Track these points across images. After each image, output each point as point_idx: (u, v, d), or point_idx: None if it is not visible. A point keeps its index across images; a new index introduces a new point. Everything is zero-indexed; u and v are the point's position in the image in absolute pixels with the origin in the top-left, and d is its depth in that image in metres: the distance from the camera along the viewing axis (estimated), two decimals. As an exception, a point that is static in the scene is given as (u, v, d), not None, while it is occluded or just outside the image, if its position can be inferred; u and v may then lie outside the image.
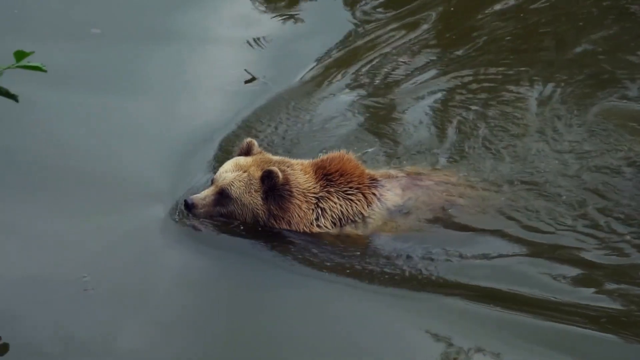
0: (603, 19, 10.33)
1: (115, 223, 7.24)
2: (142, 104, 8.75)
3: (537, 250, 7.18)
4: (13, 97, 5.37)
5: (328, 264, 7.01)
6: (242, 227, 7.22)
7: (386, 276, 6.89)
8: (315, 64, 9.75)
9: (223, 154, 7.98)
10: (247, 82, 9.27)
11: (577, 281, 6.91)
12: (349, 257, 7.09)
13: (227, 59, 9.57)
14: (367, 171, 7.47)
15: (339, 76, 9.54)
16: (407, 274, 6.93)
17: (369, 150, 8.27)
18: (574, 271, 6.98)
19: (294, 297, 6.76)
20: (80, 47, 9.34)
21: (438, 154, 8.22)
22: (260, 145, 7.65)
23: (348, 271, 6.95)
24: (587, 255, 7.15)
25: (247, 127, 8.54)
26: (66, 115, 8.44)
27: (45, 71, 5.29)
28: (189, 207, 7.10)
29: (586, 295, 6.77)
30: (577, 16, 10.47)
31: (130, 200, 7.50)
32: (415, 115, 8.89)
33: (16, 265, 6.73)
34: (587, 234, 7.33)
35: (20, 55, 5.26)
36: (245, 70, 9.34)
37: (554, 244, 7.25)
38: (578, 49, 9.87)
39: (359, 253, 7.13)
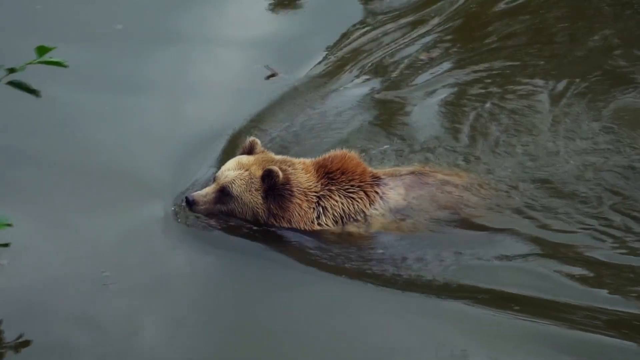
0: (619, 14, 10.17)
1: (128, 219, 7.32)
2: (154, 102, 8.82)
3: (549, 251, 7.11)
4: (34, 93, 5.40)
5: (331, 263, 7.02)
6: (249, 225, 7.26)
7: (389, 276, 6.89)
8: (325, 59, 9.75)
9: (232, 151, 7.97)
10: (267, 77, 9.29)
11: (590, 282, 6.83)
12: (351, 256, 7.09)
13: (236, 57, 9.59)
14: (369, 169, 7.45)
15: (350, 71, 9.53)
16: (409, 274, 6.91)
17: (385, 147, 8.24)
18: (586, 272, 6.91)
19: (302, 295, 6.79)
20: (95, 45, 9.41)
21: (451, 152, 8.17)
22: (270, 142, 7.72)
23: (351, 270, 6.95)
24: (602, 256, 7.06)
25: (256, 124, 8.56)
26: (77, 113, 8.53)
27: (66, 66, 5.33)
28: (190, 203, 7.15)
29: (600, 297, 6.68)
30: (592, 12, 10.31)
31: (141, 196, 7.56)
32: (429, 111, 8.84)
33: (36, 261, 6.81)
34: (604, 233, 7.24)
35: (42, 50, 5.30)
36: (266, 66, 9.37)
37: (569, 244, 7.17)
38: (593, 45, 9.74)
39: (360, 252, 7.12)
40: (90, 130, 8.32)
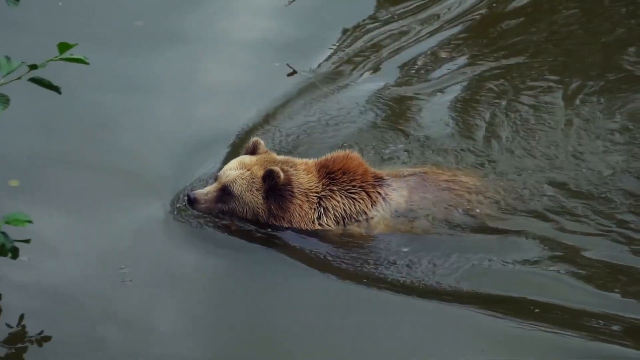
0: (633, 12, 10.04)
1: (142, 216, 7.39)
2: (168, 101, 8.86)
3: (562, 255, 7.05)
4: (56, 89, 5.40)
5: (335, 262, 7.04)
6: (255, 225, 7.31)
7: (391, 278, 6.88)
8: (339, 56, 9.72)
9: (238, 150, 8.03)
10: (289, 75, 9.31)
11: (603, 287, 6.78)
12: (353, 256, 7.08)
13: (246, 57, 9.60)
14: (372, 170, 7.41)
15: (365, 68, 9.49)
16: (412, 276, 6.90)
17: (400, 146, 8.21)
18: (604, 276, 6.86)
19: (310, 293, 6.83)
20: (112, 42, 9.44)
21: (465, 152, 8.11)
22: (281, 140, 7.73)
23: (353, 270, 6.96)
24: (618, 259, 7.00)
25: (268, 122, 8.59)
26: (94, 111, 8.60)
27: (87, 63, 5.32)
28: (191, 201, 7.19)
29: (617, 303, 6.64)
30: (606, 10, 10.17)
31: (155, 194, 7.62)
32: (443, 110, 8.78)
33: (54, 257, 6.89)
34: (623, 235, 7.18)
35: (64, 47, 5.31)
36: (288, 64, 9.38)
37: (583, 247, 7.12)
38: (609, 44, 9.60)
39: (362, 253, 7.11)
40: (105, 128, 8.38)
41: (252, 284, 6.92)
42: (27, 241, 5.47)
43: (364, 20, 10.26)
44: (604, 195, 7.51)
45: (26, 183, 7.58)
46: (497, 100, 8.83)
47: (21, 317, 6.26)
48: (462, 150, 8.11)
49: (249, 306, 6.71)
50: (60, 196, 7.55)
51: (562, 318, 6.52)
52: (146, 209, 7.47)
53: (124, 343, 6.28)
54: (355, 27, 10.16)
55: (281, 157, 7.40)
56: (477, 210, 7.33)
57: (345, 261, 7.05)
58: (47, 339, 6.16)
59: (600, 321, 6.47)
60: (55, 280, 6.70)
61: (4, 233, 5.28)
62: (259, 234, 7.28)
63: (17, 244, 5.45)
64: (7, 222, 5.26)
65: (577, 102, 8.73)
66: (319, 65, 9.52)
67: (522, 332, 6.41)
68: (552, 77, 9.13)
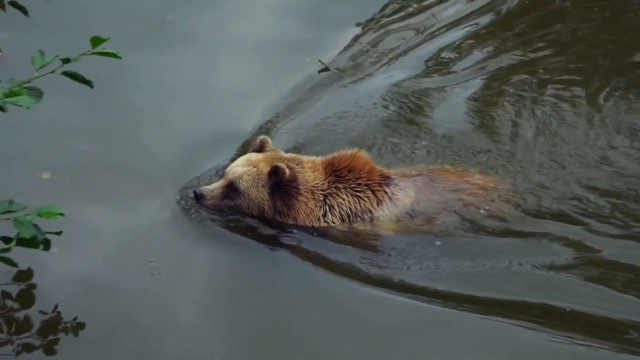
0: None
1: (166, 211, 7.49)
2: (189, 102, 8.96)
3: (573, 260, 6.93)
4: (88, 83, 5.41)
5: (341, 261, 7.06)
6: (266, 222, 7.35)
7: (398, 279, 6.87)
8: (358, 49, 9.73)
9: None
10: (320, 71, 9.34)
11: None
12: (358, 255, 7.09)
13: (261, 57, 9.64)
14: (378, 168, 7.40)
15: (385, 64, 9.50)
16: (416, 279, 6.87)
17: (424, 142, 8.17)
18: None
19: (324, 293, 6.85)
20: (141, 36, 9.55)
21: (484, 152, 8.03)
22: (293, 136, 7.78)
23: (357, 270, 6.97)
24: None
25: (283, 119, 8.65)
26: (116, 107, 8.71)
27: (120, 57, 5.32)
28: (198, 197, 7.27)
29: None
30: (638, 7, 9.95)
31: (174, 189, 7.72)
32: (461, 108, 8.71)
33: (83, 250, 7.03)
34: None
35: (96, 41, 5.31)
36: (319, 60, 9.40)
37: (598, 248, 6.99)
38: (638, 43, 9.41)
39: (368, 252, 7.11)
40: (131, 124, 8.50)
41: (265, 280, 6.98)
42: (59, 233, 5.50)
43: (385, 13, 10.27)
44: (632, 193, 7.36)
45: (57, 176, 7.74)
46: (521, 96, 8.74)
47: (56, 306, 6.42)
48: (483, 151, 8.03)
49: (263, 301, 6.79)
50: (89, 189, 7.69)
51: (587, 326, 6.39)
52: (167, 205, 7.57)
53: (151, 332, 6.43)
54: (378, 21, 10.17)
55: (288, 155, 7.44)
56: (489, 212, 7.26)
57: (351, 259, 7.06)
58: (81, 326, 6.31)
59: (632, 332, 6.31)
60: (86, 273, 6.83)
61: (35, 225, 5.31)
62: (271, 232, 7.33)
63: (48, 236, 5.45)
64: (39, 215, 5.28)
65: (601, 100, 8.57)
66: (343, 61, 9.55)
67: (544, 343, 6.30)
68: (578, 73, 9.02)
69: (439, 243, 7.11)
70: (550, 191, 7.47)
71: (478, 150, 8.04)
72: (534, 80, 8.99)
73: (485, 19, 10.07)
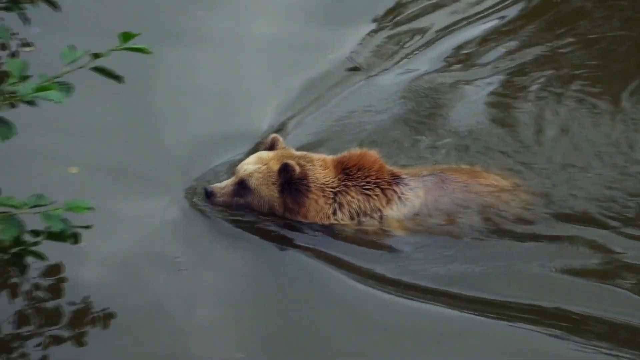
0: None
1: (186, 206, 7.58)
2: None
3: (583, 262, 6.94)
4: (117, 78, 5.37)
5: (354, 261, 7.10)
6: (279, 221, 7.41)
7: (407, 280, 6.89)
8: (377, 43, 9.78)
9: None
10: (349, 69, 9.38)
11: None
12: (365, 254, 7.14)
13: (279, 57, 9.67)
14: (388, 167, 7.40)
15: (401, 60, 9.52)
16: (422, 277, 6.91)
17: (446, 140, 8.17)
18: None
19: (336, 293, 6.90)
20: (169, 31, 9.59)
21: (503, 152, 8.01)
22: (310, 133, 7.95)
23: (364, 269, 7.01)
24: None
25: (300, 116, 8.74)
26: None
27: (150, 53, 5.25)
28: (208, 195, 7.31)
29: None
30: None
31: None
32: (479, 106, 8.70)
33: (110, 244, 7.13)
34: None
35: (126, 36, 5.26)
36: (348, 58, 9.48)
37: (601, 256, 6.96)
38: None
39: (376, 251, 7.15)
40: (157, 119, 8.63)
41: (280, 279, 7.06)
42: (87, 227, 5.46)
43: (409, 7, 10.32)
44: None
45: (84, 170, 7.86)
46: (543, 93, 8.72)
47: (85, 297, 6.56)
48: (503, 149, 8.01)
49: (280, 299, 6.87)
50: (115, 184, 7.79)
51: (612, 333, 6.38)
52: (185, 199, 7.66)
53: (177, 326, 6.55)
54: (400, 13, 10.21)
55: (299, 153, 7.47)
56: (502, 213, 7.24)
57: (358, 258, 7.11)
58: (111, 316, 6.44)
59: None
60: (113, 267, 6.96)
61: (64, 220, 5.25)
62: (282, 230, 7.38)
63: (77, 230, 5.41)
64: (68, 209, 5.22)
65: (625, 99, 8.52)
66: (364, 56, 9.60)
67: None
68: (602, 69, 8.99)
69: (449, 245, 7.13)
70: (571, 192, 7.46)
71: (498, 149, 8.02)
72: (557, 77, 8.94)
73: (510, 13, 10.04)
